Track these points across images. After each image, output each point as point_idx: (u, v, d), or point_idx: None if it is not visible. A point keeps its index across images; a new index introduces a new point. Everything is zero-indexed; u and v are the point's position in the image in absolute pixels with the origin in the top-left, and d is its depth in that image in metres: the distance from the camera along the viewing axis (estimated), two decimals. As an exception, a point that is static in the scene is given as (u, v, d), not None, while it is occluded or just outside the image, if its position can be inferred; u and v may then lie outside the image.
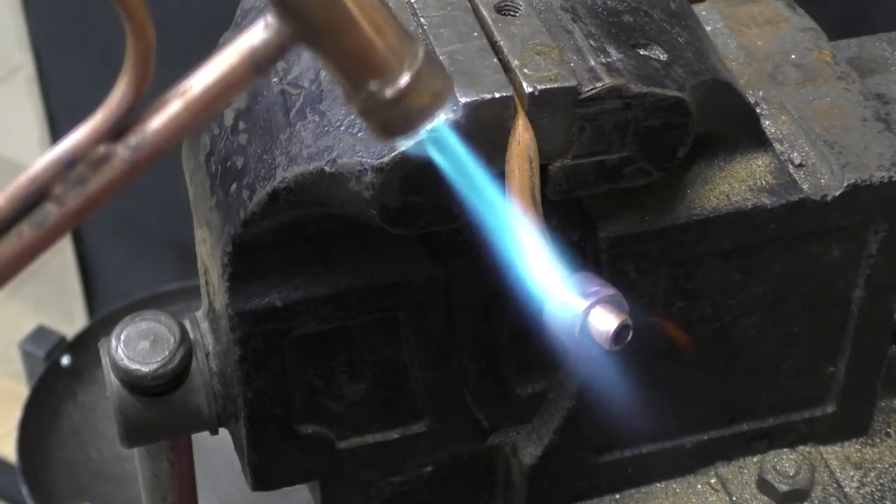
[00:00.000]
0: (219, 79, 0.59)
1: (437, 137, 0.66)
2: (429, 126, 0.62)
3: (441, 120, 0.63)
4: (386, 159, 0.74)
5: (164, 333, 0.85)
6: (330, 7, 0.59)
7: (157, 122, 0.59)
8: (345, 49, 0.60)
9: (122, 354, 0.85)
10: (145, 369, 0.85)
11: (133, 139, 0.58)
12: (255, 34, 0.59)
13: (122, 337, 0.85)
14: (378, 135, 0.63)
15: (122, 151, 0.58)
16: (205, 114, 0.59)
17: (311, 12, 0.59)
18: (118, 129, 0.58)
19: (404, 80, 0.60)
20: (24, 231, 0.58)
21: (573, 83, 0.75)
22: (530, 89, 0.74)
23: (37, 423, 2.00)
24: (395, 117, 0.62)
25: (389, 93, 0.60)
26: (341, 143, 0.75)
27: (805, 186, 0.85)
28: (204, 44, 0.90)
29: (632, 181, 0.80)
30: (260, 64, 0.60)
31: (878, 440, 0.98)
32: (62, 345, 2.12)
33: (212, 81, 0.59)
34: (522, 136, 0.74)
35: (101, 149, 0.58)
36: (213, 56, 0.60)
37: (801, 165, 0.86)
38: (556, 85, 0.75)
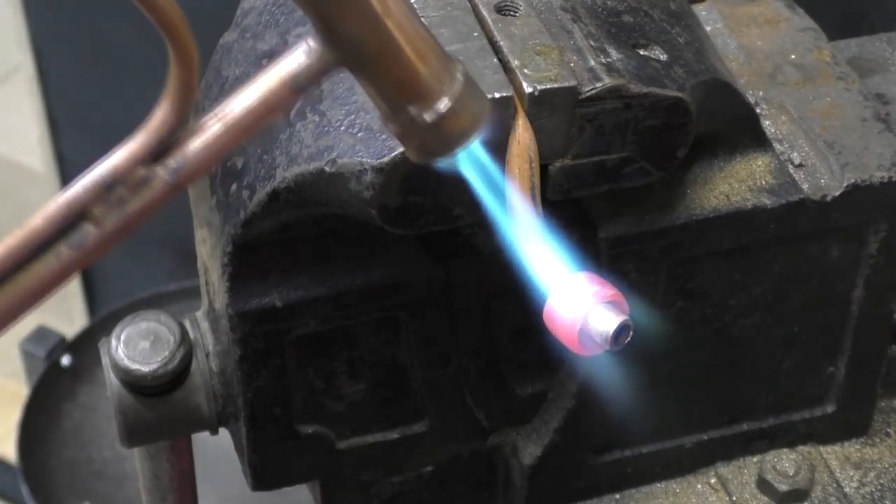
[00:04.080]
0: (259, 102, 0.59)
1: (470, 153, 0.66)
2: (466, 147, 0.62)
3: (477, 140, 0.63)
4: (386, 159, 0.74)
5: (164, 333, 0.86)
6: (375, 34, 0.58)
7: (197, 144, 0.58)
8: (387, 75, 0.60)
9: (122, 354, 0.85)
10: (145, 369, 0.85)
11: (173, 162, 0.58)
12: (297, 59, 0.59)
13: (122, 337, 0.85)
14: (416, 156, 0.63)
15: (162, 174, 0.58)
16: (244, 136, 0.59)
17: (356, 40, 0.58)
18: (158, 152, 0.58)
19: (444, 104, 0.60)
20: (63, 251, 0.57)
21: (573, 83, 0.75)
22: (530, 89, 0.74)
23: (37, 423, 2.01)
24: (434, 140, 0.61)
25: (429, 117, 0.60)
26: (341, 143, 0.75)
27: (805, 186, 0.85)
28: (204, 44, 0.90)
29: (632, 181, 0.80)
30: (300, 88, 0.59)
31: (878, 440, 0.98)
32: (62, 345, 2.12)
33: (252, 105, 0.59)
34: (522, 136, 0.74)
35: (141, 171, 0.58)
36: (253, 79, 0.59)
37: (800, 165, 0.86)
38: (556, 85, 0.75)
